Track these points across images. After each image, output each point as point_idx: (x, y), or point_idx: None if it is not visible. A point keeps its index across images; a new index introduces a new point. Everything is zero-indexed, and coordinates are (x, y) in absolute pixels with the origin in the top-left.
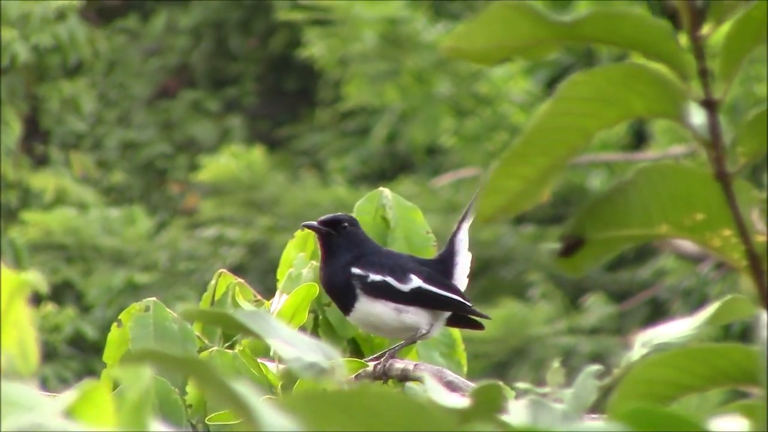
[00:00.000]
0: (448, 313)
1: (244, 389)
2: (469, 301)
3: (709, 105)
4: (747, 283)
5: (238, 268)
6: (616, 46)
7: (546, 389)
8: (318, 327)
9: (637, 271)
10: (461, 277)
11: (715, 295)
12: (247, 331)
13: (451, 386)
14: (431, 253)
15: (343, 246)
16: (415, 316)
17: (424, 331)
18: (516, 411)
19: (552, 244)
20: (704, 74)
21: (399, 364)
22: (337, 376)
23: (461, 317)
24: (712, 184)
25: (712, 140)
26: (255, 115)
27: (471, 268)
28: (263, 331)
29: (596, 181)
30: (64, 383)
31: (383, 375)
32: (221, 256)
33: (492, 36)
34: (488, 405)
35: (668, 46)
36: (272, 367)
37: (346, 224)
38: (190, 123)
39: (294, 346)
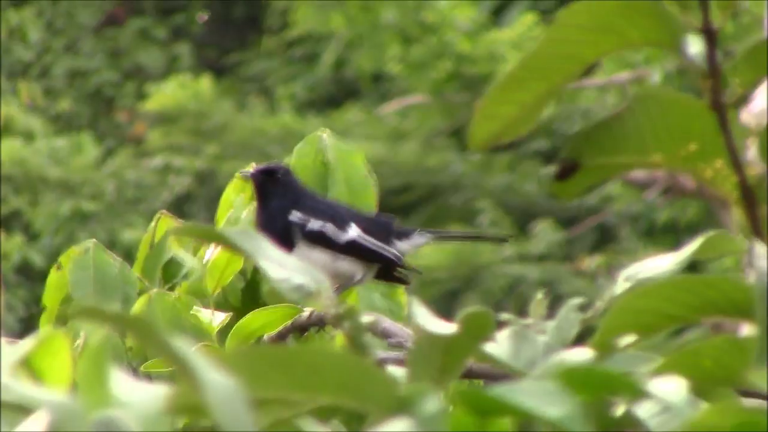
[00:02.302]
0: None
1: (184, 346)
2: (400, 258)
3: (708, 33)
4: (738, 215)
5: (185, 197)
6: None
7: (528, 321)
8: (258, 270)
9: (585, 197)
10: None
11: (662, 221)
12: (237, 250)
13: (387, 333)
14: (371, 195)
15: (279, 194)
16: (349, 265)
17: (357, 278)
18: (499, 342)
19: (550, 169)
20: (703, 2)
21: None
22: (324, 299)
23: (390, 271)
24: (707, 114)
25: (709, 70)
26: (202, 43)
27: (419, 194)
28: (254, 250)
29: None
30: (13, 311)
31: (319, 321)
32: (168, 185)
33: None
34: (476, 333)
35: None
36: (207, 316)
37: (281, 173)
38: (138, 50)
39: (283, 267)
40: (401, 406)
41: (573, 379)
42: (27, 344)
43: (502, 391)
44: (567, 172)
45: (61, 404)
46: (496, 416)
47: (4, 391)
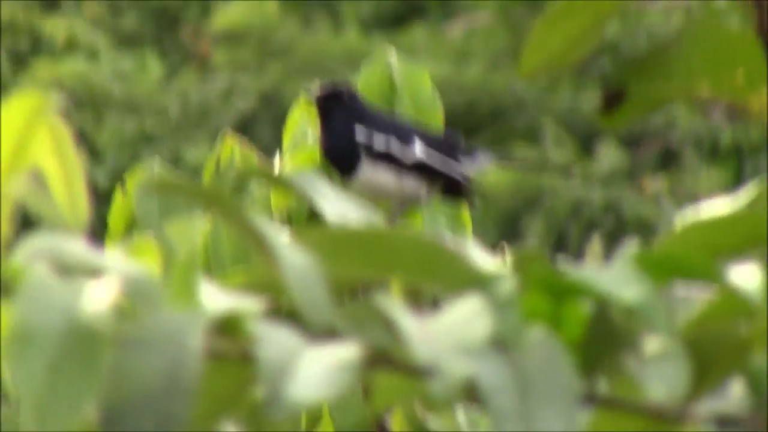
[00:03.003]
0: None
1: (265, 225)
2: (467, 179)
3: None
4: None
5: (250, 116)
6: None
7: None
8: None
9: (649, 118)
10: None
11: (726, 143)
12: (294, 191)
13: None
14: (438, 115)
15: (344, 114)
16: (415, 183)
17: (422, 196)
18: None
19: (596, 98)
20: None
21: None
22: None
23: (455, 190)
24: (755, 43)
25: None
26: None
27: (483, 114)
28: (310, 190)
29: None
30: None
31: None
32: (233, 104)
33: None
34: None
35: None
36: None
37: (346, 93)
38: None
39: (340, 204)
40: (475, 284)
41: (650, 264)
42: (118, 252)
43: (577, 274)
44: (613, 101)
45: (138, 276)
46: (570, 299)
47: (80, 257)
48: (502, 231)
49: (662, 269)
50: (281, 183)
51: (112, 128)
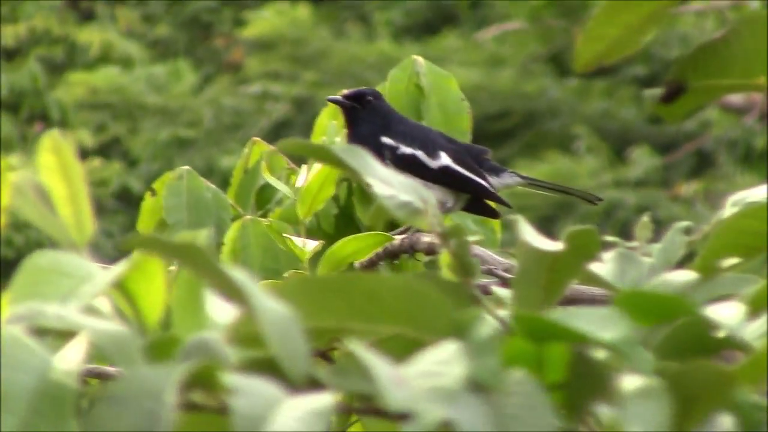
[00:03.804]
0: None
1: (239, 275)
2: (493, 188)
3: None
4: None
5: (283, 124)
6: None
7: (634, 243)
8: (352, 195)
9: (682, 122)
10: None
11: (760, 147)
12: (345, 167)
13: (479, 261)
14: (466, 120)
15: (369, 119)
16: (440, 193)
17: (449, 206)
18: (605, 263)
19: (652, 90)
20: None
21: (426, 238)
22: (430, 217)
23: (480, 202)
24: None
25: None
26: None
27: (516, 120)
28: (361, 168)
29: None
30: (110, 237)
31: (410, 248)
32: (266, 112)
33: None
34: (582, 251)
35: None
36: (299, 243)
37: (371, 97)
38: None
39: (390, 185)
40: (457, 330)
41: (630, 304)
42: (121, 268)
43: (557, 315)
44: (673, 94)
45: (109, 330)
46: (552, 341)
47: (56, 319)
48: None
49: (642, 309)
50: (331, 157)
51: (146, 136)
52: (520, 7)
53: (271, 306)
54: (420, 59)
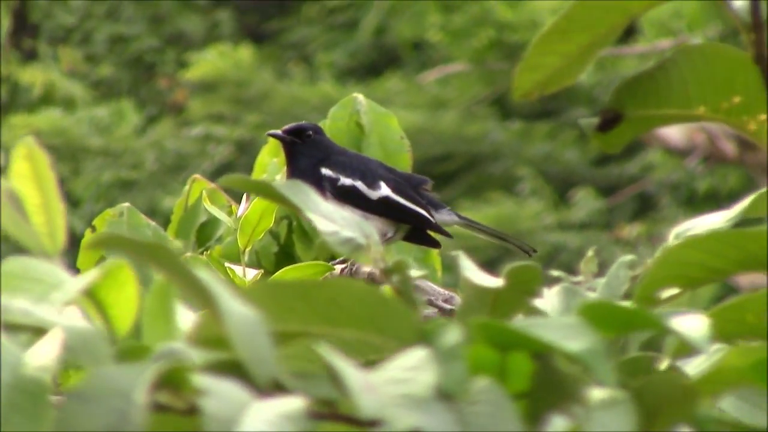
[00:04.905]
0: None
1: (206, 276)
2: (433, 217)
3: None
4: None
5: (226, 166)
6: None
7: (578, 278)
8: (292, 233)
9: (625, 165)
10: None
11: (703, 189)
12: (286, 203)
13: (420, 291)
14: (406, 158)
15: (308, 153)
16: (380, 224)
17: (389, 236)
18: (549, 297)
19: (588, 119)
20: None
21: (366, 268)
22: (373, 253)
23: (420, 232)
24: (751, 67)
25: (753, 22)
26: (243, 9)
27: (459, 163)
28: (303, 204)
29: (584, 75)
30: None
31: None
32: (209, 154)
33: None
34: (524, 287)
35: None
36: (239, 272)
37: (311, 132)
38: (179, 17)
39: (333, 221)
40: (421, 338)
41: (594, 315)
42: (93, 275)
43: (522, 324)
44: (609, 123)
45: (79, 327)
46: (516, 350)
47: (22, 314)
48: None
49: (607, 320)
50: (273, 193)
51: (89, 177)
52: (462, 49)
53: (238, 308)
54: (360, 97)
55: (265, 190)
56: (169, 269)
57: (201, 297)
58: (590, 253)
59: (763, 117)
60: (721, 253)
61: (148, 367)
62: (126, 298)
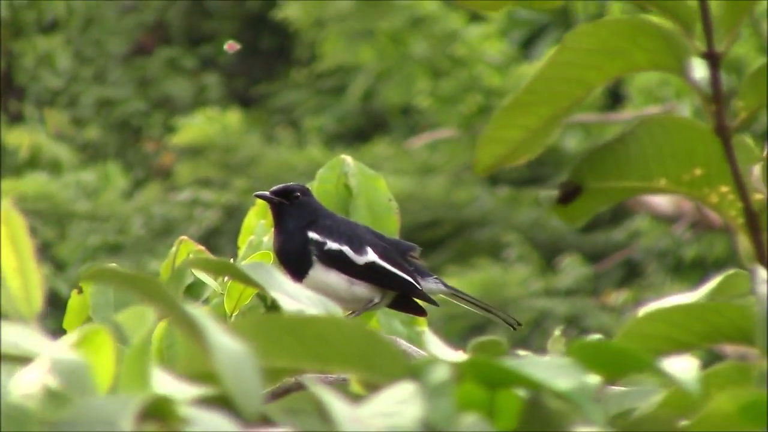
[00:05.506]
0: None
1: (194, 309)
2: (419, 285)
3: (712, 58)
4: (743, 242)
5: (213, 231)
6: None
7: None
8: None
9: (612, 232)
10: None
11: (689, 257)
12: (250, 283)
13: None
14: (394, 221)
15: (296, 214)
16: (366, 290)
17: (375, 302)
18: None
19: (549, 191)
20: (708, 27)
21: None
22: None
23: (407, 300)
24: (711, 139)
25: (713, 94)
26: (231, 73)
27: (447, 229)
28: (267, 283)
29: (572, 142)
30: None
31: None
32: (196, 219)
33: None
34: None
35: None
36: None
37: (299, 193)
38: (166, 80)
39: (297, 299)
40: (410, 375)
41: (585, 354)
42: (71, 338)
43: (513, 363)
44: (569, 195)
45: (65, 358)
46: (505, 388)
47: (12, 346)
48: (467, 343)
49: (598, 360)
50: (237, 273)
51: (75, 242)
52: (450, 115)
53: (226, 342)
54: (349, 159)
55: (230, 270)
56: (159, 302)
57: (190, 330)
58: (557, 332)
59: (725, 189)
60: (685, 325)
61: (134, 398)
62: (103, 362)
